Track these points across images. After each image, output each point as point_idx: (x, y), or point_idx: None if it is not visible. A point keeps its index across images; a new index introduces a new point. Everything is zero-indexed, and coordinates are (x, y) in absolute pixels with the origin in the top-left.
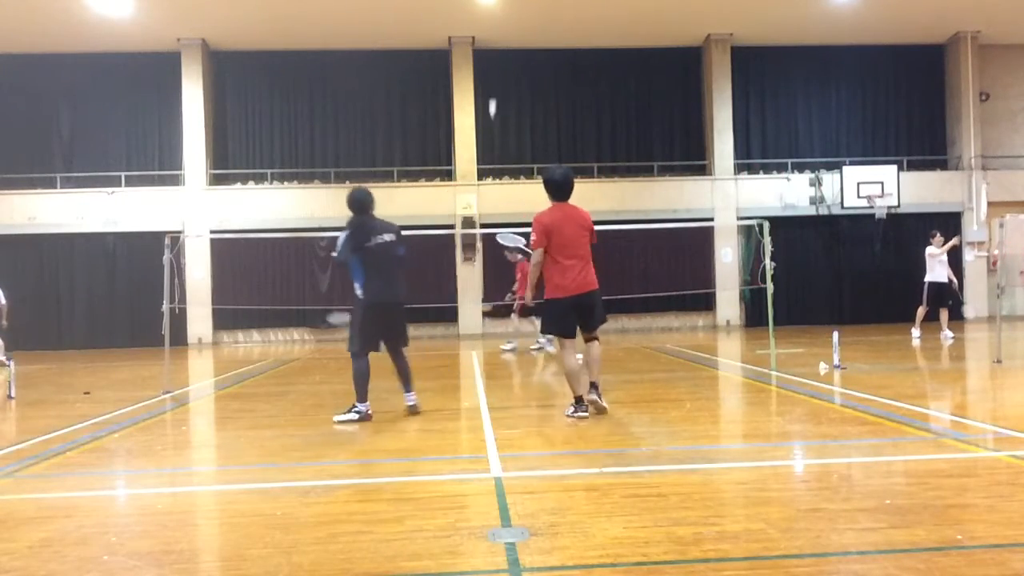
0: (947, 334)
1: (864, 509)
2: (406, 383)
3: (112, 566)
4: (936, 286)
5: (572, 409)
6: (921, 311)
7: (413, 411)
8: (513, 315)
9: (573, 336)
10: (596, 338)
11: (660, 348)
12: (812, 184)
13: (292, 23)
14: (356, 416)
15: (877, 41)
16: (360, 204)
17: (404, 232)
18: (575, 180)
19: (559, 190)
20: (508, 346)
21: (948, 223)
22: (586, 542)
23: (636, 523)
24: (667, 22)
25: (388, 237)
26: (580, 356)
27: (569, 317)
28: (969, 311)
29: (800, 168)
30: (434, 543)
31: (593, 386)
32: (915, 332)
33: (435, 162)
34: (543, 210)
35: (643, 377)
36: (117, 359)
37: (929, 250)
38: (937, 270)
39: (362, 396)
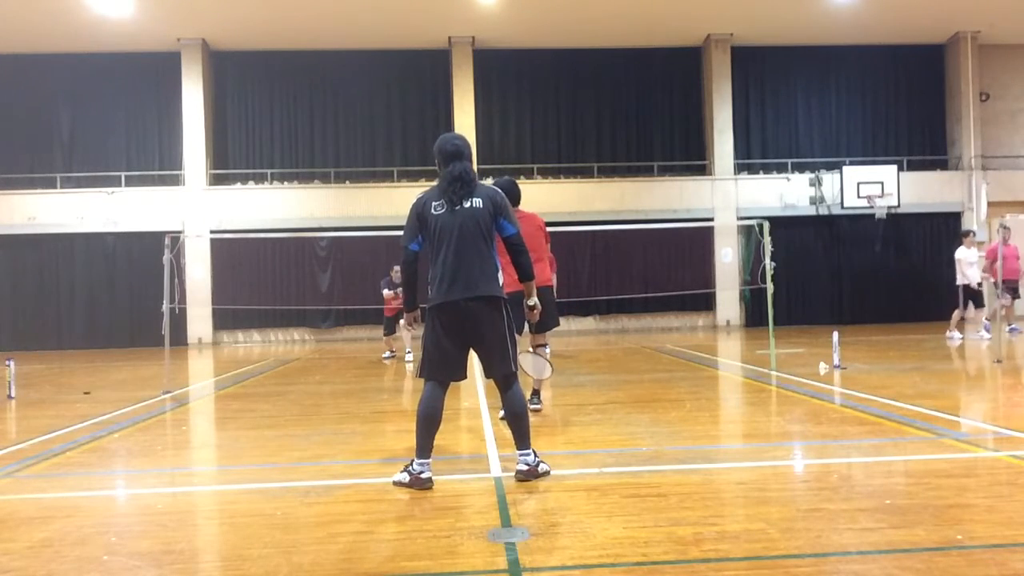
0: (955, 335)
1: (864, 509)
2: (515, 432)
3: (112, 566)
4: (966, 289)
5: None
6: (956, 314)
7: (521, 477)
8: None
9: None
10: (543, 344)
11: (660, 348)
12: (812, 184)
13: (292, 23)
14: (406, 478)
15: (877, 41)
16: (443, 152)
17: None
18: (575, 182)
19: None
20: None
21: (948, 223)
22: (586, 542)
23: (636, 523)
24: (667, 22)
25: (473, 203)
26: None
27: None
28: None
29: (800, 168)
30: (434, 543)
31: (535, 392)
32: (954, 334)
33: (434, 162)
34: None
35: (643, 377)
36: (117, 359)
37: (958, 253)
38: (968, 273)
39: (420, 448)
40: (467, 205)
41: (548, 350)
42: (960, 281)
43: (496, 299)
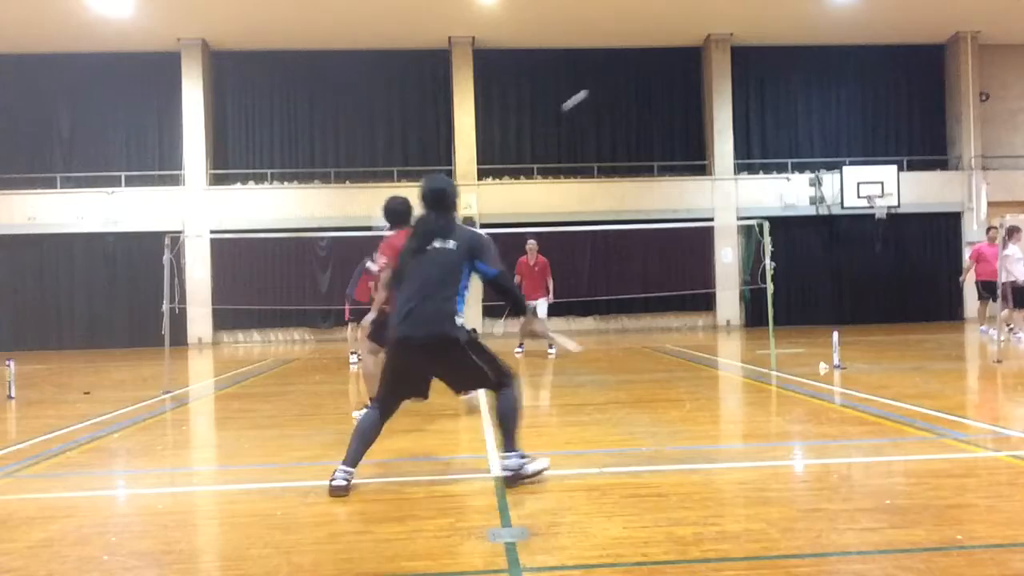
0: (1010, 333)
1: (864, 509)
2: (499, 431)
3: (112, 566)
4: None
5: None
6: (1006, 313)
7: (508, 483)
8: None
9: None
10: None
11: (660, 348)
12: (812, 184)
13: (292, 23)
14: (330, 482)
15: (877, 41)
16: (422, 197)
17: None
18: (575, 182)
19: (401, 217)
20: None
21: (948, 223)
22: (586, 542)
23: (636, 523)
24: (667, 22)
25: (446, 244)
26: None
27: None
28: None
29: (800, 168)
30: (434, 543)
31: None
32: (1021, 334)
33: (435, 162)
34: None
35: (643, 377)
36: (117, 359)
37: (1010, 250)
38: (1014, 269)
39: (349, 455)
40: (437, 246)
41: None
42: (1006, 279)
43: (452, 339)
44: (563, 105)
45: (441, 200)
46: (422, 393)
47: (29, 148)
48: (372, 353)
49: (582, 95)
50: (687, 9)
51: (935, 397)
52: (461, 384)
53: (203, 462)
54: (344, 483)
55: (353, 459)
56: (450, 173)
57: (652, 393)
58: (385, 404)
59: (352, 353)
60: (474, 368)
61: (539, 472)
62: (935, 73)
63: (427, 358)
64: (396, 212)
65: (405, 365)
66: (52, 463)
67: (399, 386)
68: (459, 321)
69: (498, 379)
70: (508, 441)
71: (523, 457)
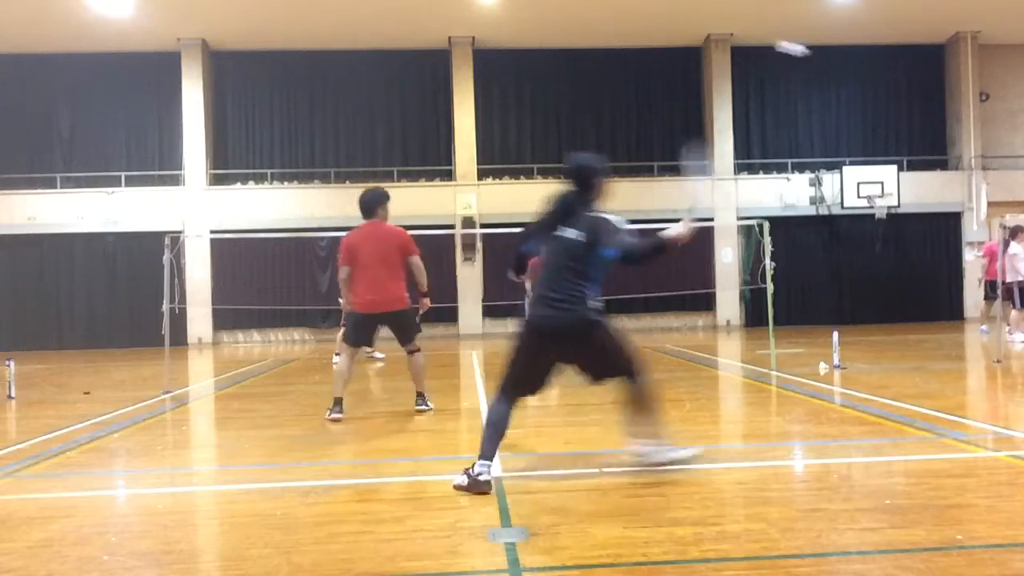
0: (1018, 336)
1: (864, 509)
2: (627, 418)
3: (112, 566)
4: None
5: (329, 412)
6: (1016, 314)
7: (641, 464)
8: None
9: (360, 346)
10: (415, 350)
11: (660, 348)
12: (812, 184)
13: (292, 23)
14: (465, 480)
15: (877, 41)
16: (580, 172)
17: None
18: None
19: (363, 210)
20: None
21: (948, 223)
22: (586, 542)
23: (636, 523)
24: (667, 22)
25: (571, 233)
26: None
27: (363, 330)
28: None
29: (800, 168)
30: (434, 543)
31: (419, 395)
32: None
33: (435, 162)
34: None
35: None
36: (117, 359)
37: (1015, 250)
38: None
39: (484, 450)
40: (564, 235)
41: None
42: (1011, 278)
43: (591, 320)
44: (777, 45)
45: (579, 177)
46: (541, 386)
47: (29, 148)
48: (345, 354)
49: (802, 49)
50: (687, 9)
51: (935, 397)
52: (602, 369)
53: (203, 462)
54: (489, 477)
55: (490, 453)
56: (450, 173)
57: None
58: (514, 393)
59: (336, 355)
60: (615, 351)
61: (679, 461)
62: (935, 73)
63: (567, 343)
64: (362, 204)
65: (539, 350)
66: (52, 463)
67: (529, 373)
68: (593, 304)
69: (633, 366)
70: (654, 426)
71: (649, 447)
